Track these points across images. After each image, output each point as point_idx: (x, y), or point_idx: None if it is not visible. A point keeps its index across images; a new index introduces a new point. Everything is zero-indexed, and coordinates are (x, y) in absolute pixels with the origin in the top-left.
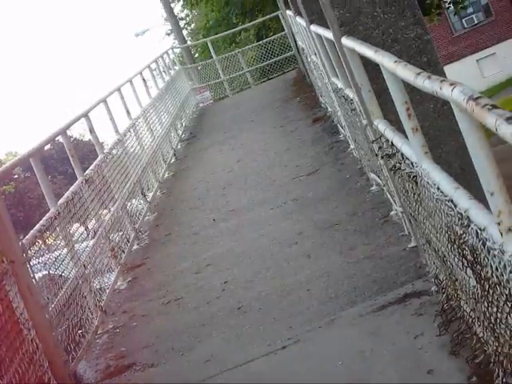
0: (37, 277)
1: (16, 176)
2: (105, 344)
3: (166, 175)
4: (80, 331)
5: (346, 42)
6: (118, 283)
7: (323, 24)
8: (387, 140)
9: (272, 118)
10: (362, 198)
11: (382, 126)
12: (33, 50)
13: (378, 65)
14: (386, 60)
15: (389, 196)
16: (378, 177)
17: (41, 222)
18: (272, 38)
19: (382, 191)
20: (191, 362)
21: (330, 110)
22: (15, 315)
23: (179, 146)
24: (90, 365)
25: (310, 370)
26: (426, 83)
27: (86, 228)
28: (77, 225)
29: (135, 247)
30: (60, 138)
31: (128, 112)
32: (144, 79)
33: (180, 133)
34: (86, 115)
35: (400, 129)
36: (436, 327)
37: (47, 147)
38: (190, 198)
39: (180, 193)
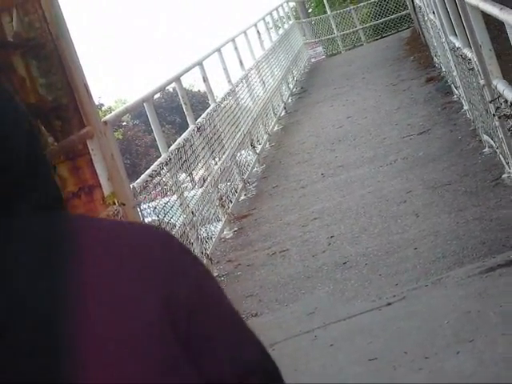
0: (146, 221)
1: (124, 123)
2: None
3: (276, 128)
4: None
5: None
6: (225, 232)
7: None
8: (506, 100)
9: (384, 76)
10: (474, 159)
11: (501, 86)
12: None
13: (499, 25)
14: (511, 18)
15: (502, 158)
16: (492, 139)
17: (152, 167)
18: None
19: (494, 154)
20: (295, 313)
21: (444, 69)
22: None
23: (290, 100)
24: None
25: (415, 327)
26: None
27: (196, 176)
28: (187, 172)
29: (242, 198)
30: (170, 88)
31: (241, 63)
32: (258, 31)
33: (291, 87)
34: (200, 63)
35: None
36: None
37: (156, 96)
38: (299, 152)
39: (289, 146)
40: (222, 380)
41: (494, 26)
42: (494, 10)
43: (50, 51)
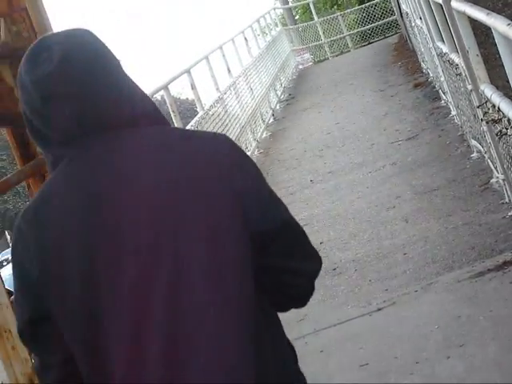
0: None
1: None
2: None
3: (264, 135)
4: None
5: (456, 4)
6: None
7: None
8: (493, 105)
9: (372, 82)
10: (462, 164)
11: (488, 90)
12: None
13: (486, 30)
14: (498, 23)
15: (490, 163)
16: (480, 144)
17: None
18: (375, 1)
19: (482, 158)
20: (285, 319)
21: (431, 75)
22: None
23: (278, 107)
24: None
25: (406, 333)
26: None
27: None
28: None
29: None
30: (158, 96)
31: (229, 70)
32: (246, 38)
33: (279, 93)
34: (188, 71)
35: (507, 95)
36: None
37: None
38: (287, 159)
39: (277, 153)
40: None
41: (480, 31)
42: (480, 15)
43: None
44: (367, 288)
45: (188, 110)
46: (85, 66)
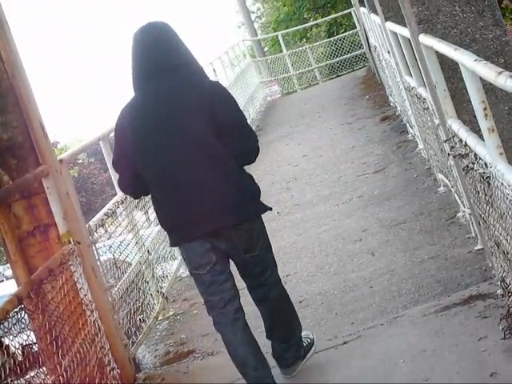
0: (101, 260)
1: (80, 161)
2: (165, 330)
3: None
4: (141, 316)
5: (424, 39)
6: (181, 271)
7: (399, 22)
8: (460, 140)
9: (339, 114)
10: (429, 198)
11: (455, 125)
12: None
13: (454, 65)
14: (465, 58)
15: (456, 197)
16: (447, 178)
17: (107, 205)
18: (343, 34)
19: (449, 192)
20: None
21: (399, 108)
22: (79, 296)
23: None
24: (150, 350)
25: (371, 367)
26: (508, 82)
27: (152, 214)
28: (142, 211)
29: None
30: None
31: None
32: (214, 70)
33: None
34: None
35: (473, 129)
36: (501, 330)
37: None
38: None
39: None
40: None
41: (448, 65)
42: (448, 50)
43: (5, 89)
44: (333, 321)
45: None
46: (158, 37)
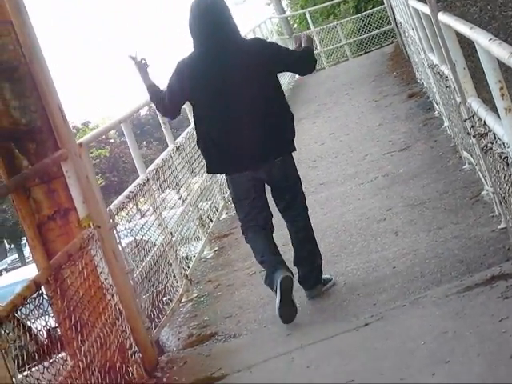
0: (123, 243)
1: (112, 140)
2: (188, 312)
3: None
4: (164, 299)
5: (442, 17)
6: (205, 252)
7: None
8: (480, 119)
9: (367, 91)
10: (454, 176)
11: (475, 104)
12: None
13: (473, 43)
14: (480, 37)
15: (480, 175)
16: (471, 155)
17: (129, 188)
18: (371, 11)
19: (474, 170)
20: (273, 334)
21: (425, 85)
22: (99, 280)
23: None
24: (173, 332)
25: (392, 348)
26: None
27: (176, 195)
28: (166, 192)
29: (223, 216)
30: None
31: None
32: None
33: None
34: None
35: (493, 108)
36: None
37: (144, 113)
38: None
39: None
40: None
41: (467, 43)
42: (464, 29)
43: (23, 74)
44: (355, 302)
45: (186, 118)
46: (212, 11)
